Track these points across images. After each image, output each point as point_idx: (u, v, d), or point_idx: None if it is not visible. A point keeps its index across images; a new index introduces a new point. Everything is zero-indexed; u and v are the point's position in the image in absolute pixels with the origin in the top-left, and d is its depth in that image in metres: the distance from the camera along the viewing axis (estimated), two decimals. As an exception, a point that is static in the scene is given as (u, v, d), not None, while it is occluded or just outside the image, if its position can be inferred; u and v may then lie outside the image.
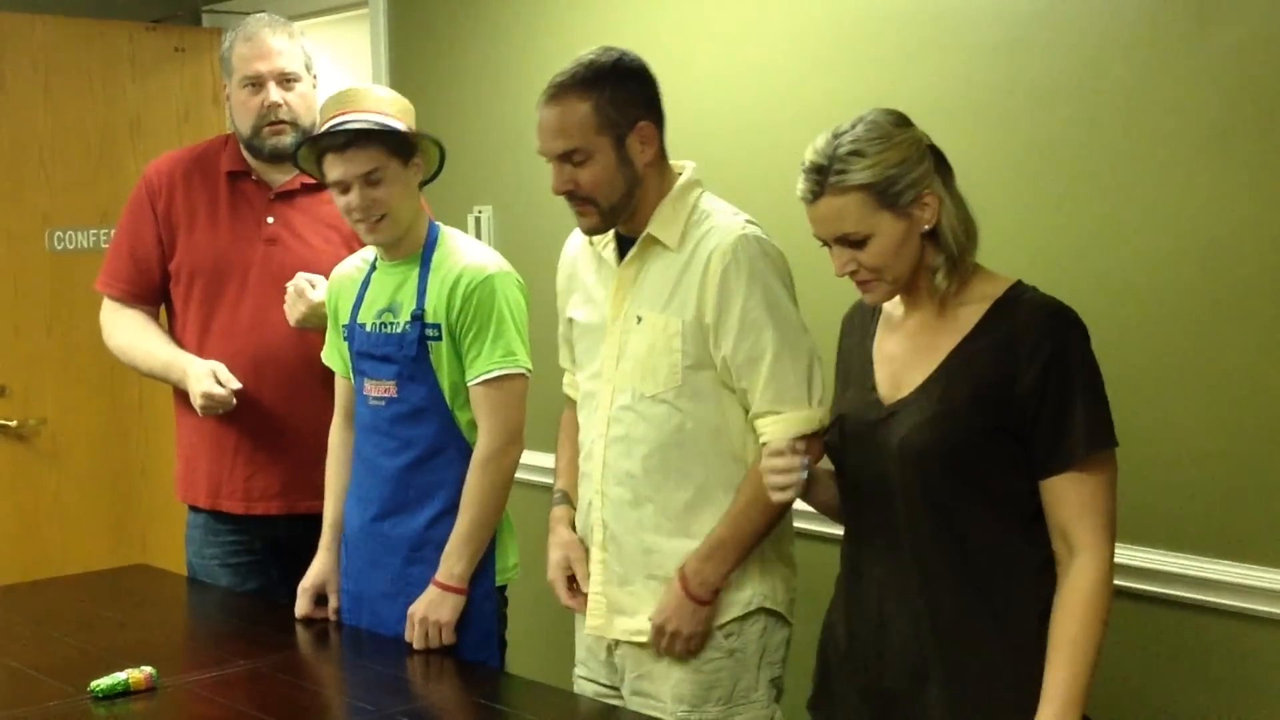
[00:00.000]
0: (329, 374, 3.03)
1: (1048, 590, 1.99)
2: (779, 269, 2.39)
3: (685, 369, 2.36)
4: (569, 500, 2.62)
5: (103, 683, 2.35)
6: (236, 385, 3.00)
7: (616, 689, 2.52)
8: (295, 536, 3.09)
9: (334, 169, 2.67)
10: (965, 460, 1.99)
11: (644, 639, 2.43)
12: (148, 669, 2.40)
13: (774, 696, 2.46)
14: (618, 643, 2.49)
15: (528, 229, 3.79)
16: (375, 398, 2.76)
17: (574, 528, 2.57)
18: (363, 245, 2.99)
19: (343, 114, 2.68)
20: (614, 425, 2.44)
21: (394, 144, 2.67)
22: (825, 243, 2.06)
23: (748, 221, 2.40)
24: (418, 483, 2.73)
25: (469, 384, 2.69)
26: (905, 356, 2.09)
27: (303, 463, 3.07)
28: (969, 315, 2.04)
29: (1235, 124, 2.48)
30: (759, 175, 3.22)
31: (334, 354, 2.91)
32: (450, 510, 2.70)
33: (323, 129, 2.70)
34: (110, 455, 4.63)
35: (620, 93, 2.36)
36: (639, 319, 2.41)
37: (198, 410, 3.03)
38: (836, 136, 2.01)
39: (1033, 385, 1.95)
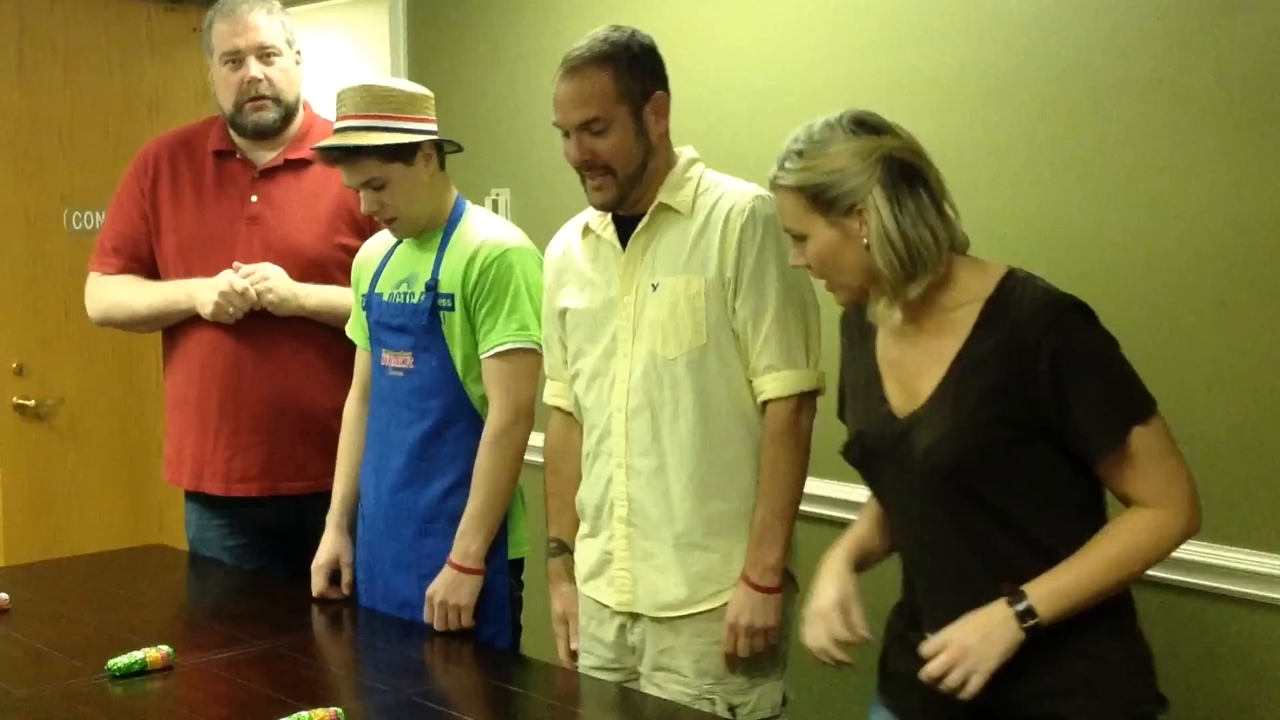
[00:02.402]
0: (312, 354, 3.05)
1: None
2: None
3: (709, 326, 2.38)
4: (567, 550, 2.63)
5: (120, 661, 2.36)
6: (251, 289, 3.01)
7: (628, 669, 2.52)
8: (284, 520, 3.10)
9: (342, 176, 2.72)
10: (993, 469, 1.96)
11: (672, 614, 2.44)
12: (164, 648, 2.41)
13: (783, 667, 2.47)
14: (634, 620, 2.49)
15: (546, 211, 3.78)
16: (394, 368, 2.77)
17: (573, 579, 2.60)
18: (346, 216, 3.07)
19: (344, 119, 2.68)
20: (634, 395, 2.44)
21: (389, 151, 2.65)
22: None
23: (759, 187, 2.43)
24: (431, 454, 2.73)
25: (481, 356, 2.69)
26: (911, 364, 2.05)
27: (284, 444, 3.09)
28: (964, 318, 1.99)
29: (1259, 108, 2.46)
30: (770, 159, 3.21)
31: (357, 327, 2.92)
32: (463, 483, 2.71)
33: (324, 142, 2.71)
34: (127, 435, 4.65)
35: (636, 65, 2.41)
36: (654, 286, 2.42)
37: (207, 315, 3.03)
38: (799, 132, 2.02)
39: (1049, 383, 1.92)
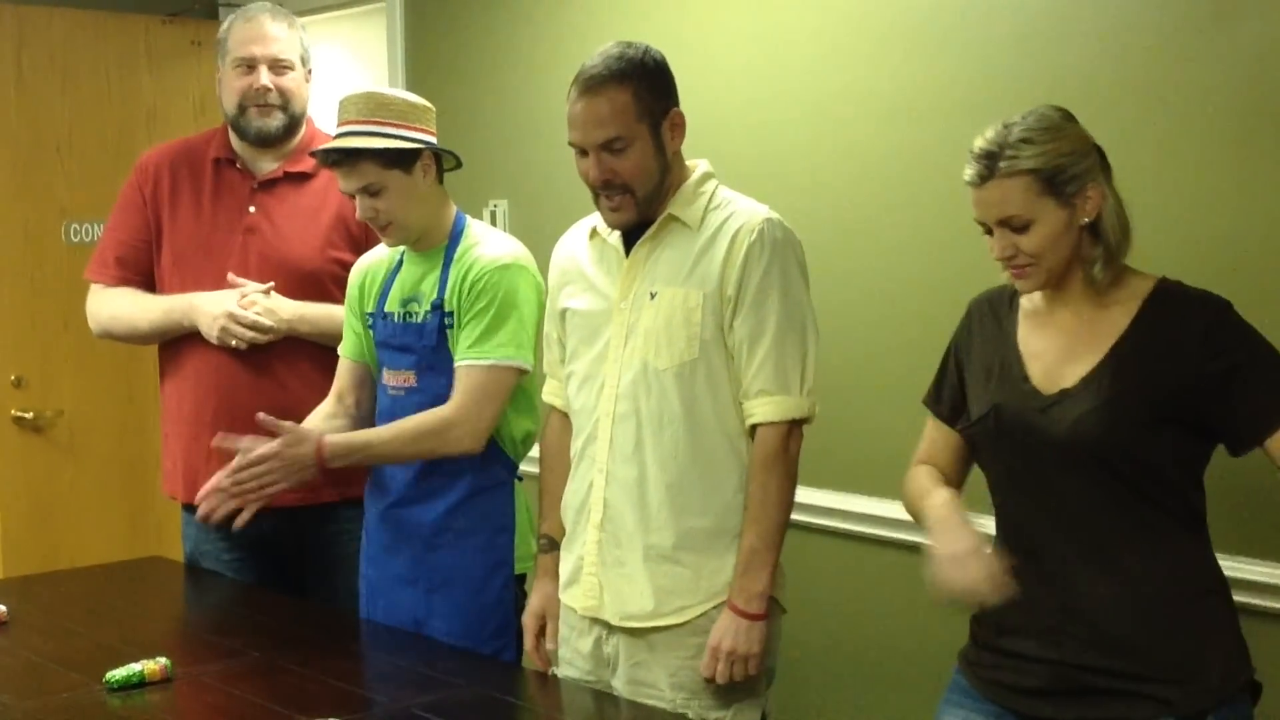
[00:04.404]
0: (307, 367, 3.04)
1: (1204, 555, 2.14)
2: (798, 255, 2.44)
3: (702, 342, 2.38)
4: (557, 547, 2.63)
5: (118, 674, 2.36)
6: (259, 320, 3.00)
7: (604, 682, 2.50)
8: (280, 531, 3.08)
9: (339, 181, 2.72)
10: (1130, 448, 2.07)
11: (636, 624, 2.44)
12: (163, 660, 2.40)
13: (766, 684, 2.46)
14: (609, 633, 2.49)
15: (543, 222, 3.79)
16: (395, 388, 2.77)
17: (557, 579, 2.60)
18: (344, 230, 3.07)
19: (345, 124, 2.69)
20: (621, 402, 2.44)
21: (388, 157, 2.66)
22: (986, 228, 2.13)
23: (770, 209, 2.45)
24: (439, 471, 2.74)
25: (456, 363, 2.69)
26: (1059, 351, 2.15)
27: None
28: (1124, 312, 2.11)
29: (1254, 119, 2.47)
30: (775, 170, 3.22)
31: (351, 337, 2.91)
32: (470, 498, 2.72)
33: (326, 144, 2.71)
34: (126, 447, 4.65)
35: (654, 82, 2.40)
36: (652, 295, 2.42)
37: (213, 339, 3.02)
38: (1007, 126, 2.09)
39: (1217, 370, 2.02)
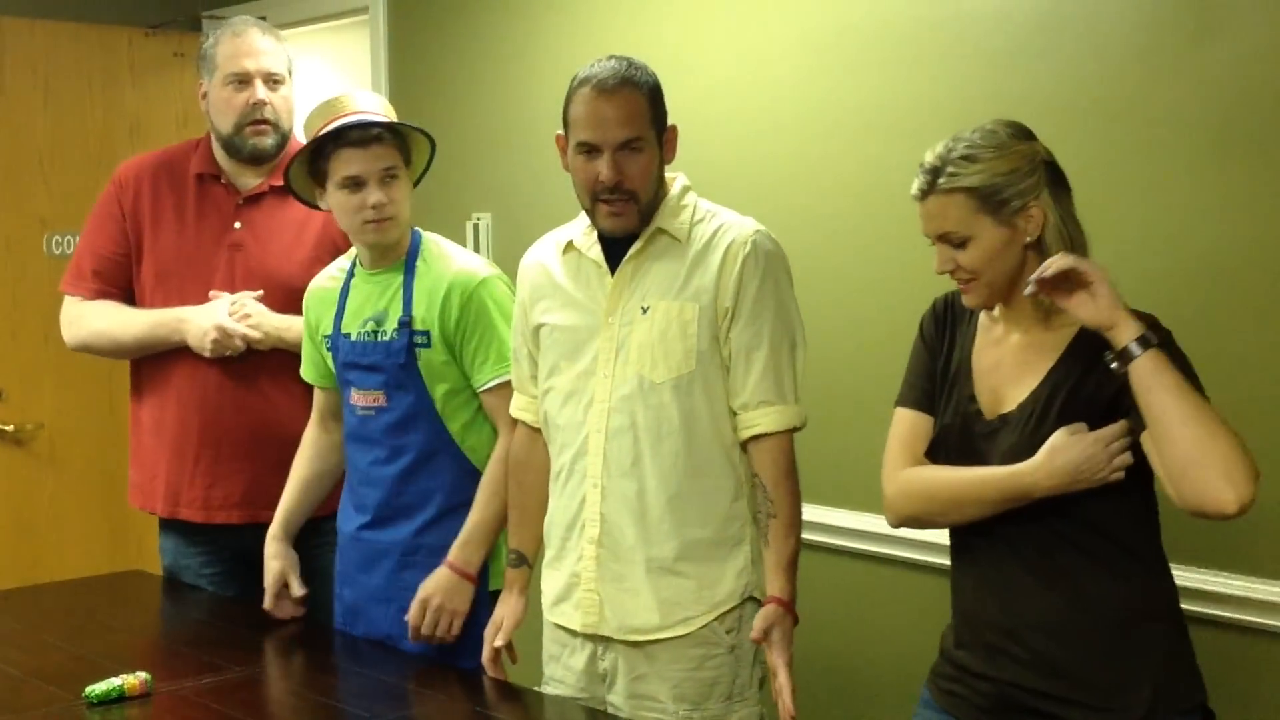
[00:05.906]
0: (292, 382, 3.02)
1: (1149, 579, 2.10)
2: (786, 267, 2.46)
3: (699, 353, 2.39)
4: (526, 562, 2.64)
5: (97, 688, 2.35)
6: (250, 332, 3.00)
7: (598, 698, 2.49)
8: (261, 547, 3.03)
9: (352, 164, 2.65)
10: None
11: (640, 637, 2.43)
12: (142, 675, 2.39)
13: (759, 687, 2.47)
14: (605, 648, 2.48)
15: (526, 236, 3.76)
16: (363, 407, 2.75)
17: (524, 593, 2.62)
18: (330, 246, 3.04)
19: (345, 115, 2.68)
20: (615, 416, 2.43)
21: (404, 145, 2.71)
22: (932, 241, 2.13)
23: (756, 221, 2.47)
24: (411, 489, 2.73)
25: (479, 389, 2.70)
26: (1005, 372, 2.14)
27: (265, 471, 3.06)
28: (1065, 335, 2.09)
29: (1235, 135, 2.49)
30: (756, 183, 3.23)
31: (310, 367, 2.90)
32: (442, 516, 2.72)
33: (332, 127, 2.65)
34: (107, 460, 4.62)
35: (658, 93, 2.44)
36: (644, 309, 2.42)
37: (205, 354, 3.01)
38: (954, 141, 2.09)
39: (1118, 388, 1.99)
